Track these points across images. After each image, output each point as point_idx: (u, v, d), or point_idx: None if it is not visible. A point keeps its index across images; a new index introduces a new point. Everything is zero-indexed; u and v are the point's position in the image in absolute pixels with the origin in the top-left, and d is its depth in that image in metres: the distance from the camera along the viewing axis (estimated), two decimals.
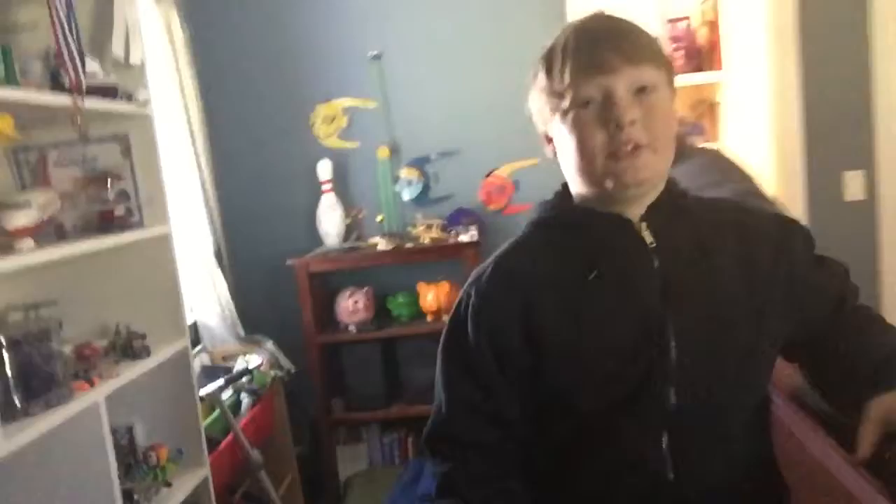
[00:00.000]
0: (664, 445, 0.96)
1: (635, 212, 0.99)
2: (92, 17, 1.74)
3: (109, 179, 1.76)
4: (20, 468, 1.36)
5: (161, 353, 1.76)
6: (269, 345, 2.99)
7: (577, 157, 0.97)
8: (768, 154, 3.20)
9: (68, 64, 1.47)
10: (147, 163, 1.82)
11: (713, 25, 4.08)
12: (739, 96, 3.37)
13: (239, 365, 2.80)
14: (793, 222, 1.09)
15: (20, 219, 1.38)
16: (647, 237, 0.98)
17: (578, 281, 0.97)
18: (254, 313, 3.18)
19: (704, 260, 0.99)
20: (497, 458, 1.02)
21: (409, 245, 3.14)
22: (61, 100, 1.48)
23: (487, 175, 3.27)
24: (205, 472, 1.94)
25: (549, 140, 1.03)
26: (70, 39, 1.48)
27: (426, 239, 3.13)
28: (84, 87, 1.50)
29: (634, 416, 0.97)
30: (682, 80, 3.16)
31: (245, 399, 2.74)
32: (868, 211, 3.11)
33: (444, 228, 3.21)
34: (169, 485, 1.78)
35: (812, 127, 3.10)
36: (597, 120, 0.94)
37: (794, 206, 2.96)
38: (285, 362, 2.99)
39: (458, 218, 3.23)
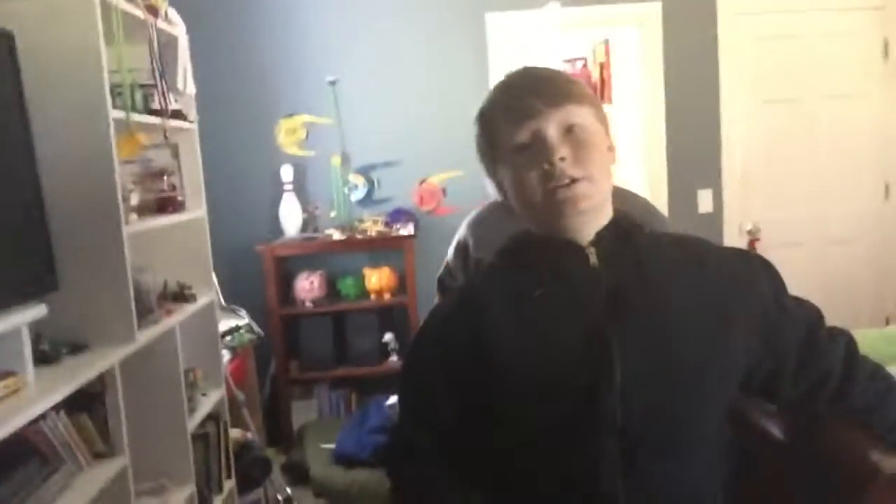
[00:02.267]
0: (616, 458, 0.98)
1: (584, 238, 1.04)
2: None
3: (165, 175, 2.44)
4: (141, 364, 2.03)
5: (201, 301, 2.46)
6: (243, 313, 3.67)
7: (521, 197, 1.04)
8: (639, 174, 4.14)
9: (160, 96, 2.17)
10: (191, 163, 2.52)
11: (604, 66, 5.01)
12: (623, 126, 4.28)
13: (220, 327, 3.47)
14: (756, 257, 1.11)
15: (134, 199, 2.07)
16: (592, 259, 1.02)
17: (527, 299, 1.02)
18: (226, 288, 3.85)
19: (651, 282, 1.02)
20: (440, 457, 1.08)
21: (358, 236, 3.90)
22: (154, 119, 2.18)
23: (421, 182, 4.04)
24: (222, 391, 2.64)
25: (501, 187, 1.10)
26: (161, 79, 2.18)
27: (373, 231, 3.90)
28: (170, 111, 2.21)
29: (584, 433, 0.98)
30: None
31: (226, 354, 3.42)
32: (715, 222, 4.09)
33: (385, 224, 3.98)
34: (204, 394, 2.48)
35: (672, 152, 4.07)
36: (531, 161, 1.01)
37: None
38: (256, 328, 3.67)
39: (397, 216, 4.01)
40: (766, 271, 1.08)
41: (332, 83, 4.03)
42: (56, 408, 1.61)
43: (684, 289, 1.02)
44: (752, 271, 1.07)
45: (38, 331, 1.73)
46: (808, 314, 1.09)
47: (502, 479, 1.06)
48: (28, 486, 1.47)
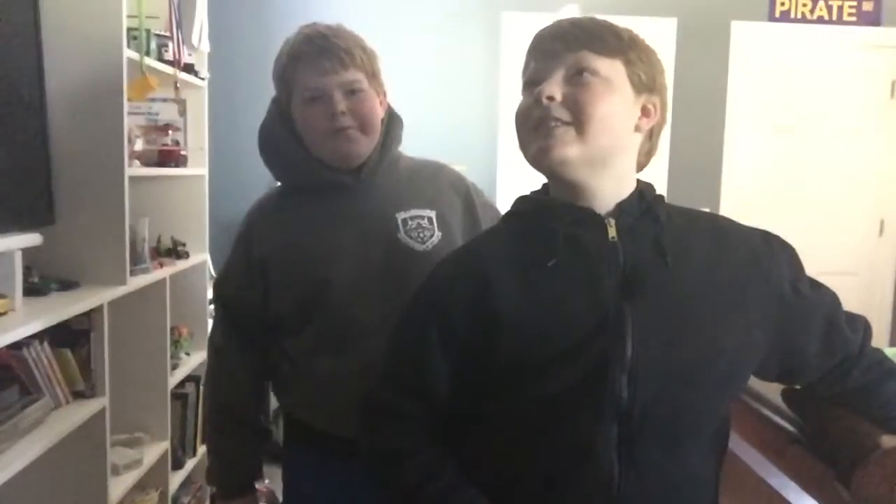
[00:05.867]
0: (614, 440, 0.92)
1: (604, 207, 0.98)
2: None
3: (170, 130, 2.42)
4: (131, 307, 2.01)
5: (193, 258, 2.43)
6: None
7: (516, 132, 1.00)
8: None
9: (175, 46, 2.16)
10: (197, 121, 2.50)
11: None
12: None
13: (209, 294, 3.43)
14: (777, 239, 1.05)
15: (138, 145, 2.04)
16: (611, 232, 0.97)
17: (539, 266, 0.96)
18: (219, 257, 3.81)
19: (669, 259, 0.96)
20: (423, 429, 1.02)
21: None
22: (167, 68, 2.16)
23: None
24: (205, 353, 2.61)
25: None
26: (177, 30, 2.16)
27: None
28: (182, 62, 2.18)
29: (586, 405, 0.92)
30: None
31: (211, 322, 3.38)
32: None
33: None
34: (188, 354, 2.45)
35: (673, 168, 4.09)
36: (527, 100, 0.97)
37: None
38: None
39: None
40: (786, 254, 1.02)
41: None
42: (41, 339, 1.58)
43: (703, 269, 0.97)
44: (771, 252, 1.01)
45: (29, 264, 1.71)
46: (827, 300, 1.04)
47: (492, 457, 1.00)
48: (7, 410, 1.44)
